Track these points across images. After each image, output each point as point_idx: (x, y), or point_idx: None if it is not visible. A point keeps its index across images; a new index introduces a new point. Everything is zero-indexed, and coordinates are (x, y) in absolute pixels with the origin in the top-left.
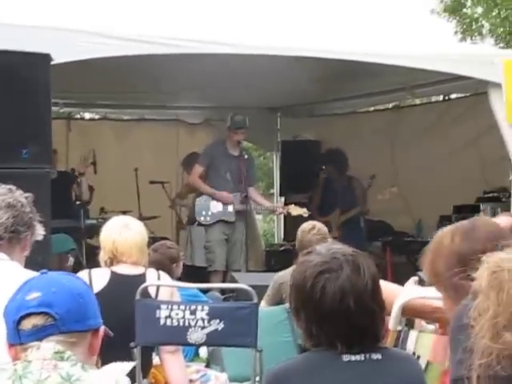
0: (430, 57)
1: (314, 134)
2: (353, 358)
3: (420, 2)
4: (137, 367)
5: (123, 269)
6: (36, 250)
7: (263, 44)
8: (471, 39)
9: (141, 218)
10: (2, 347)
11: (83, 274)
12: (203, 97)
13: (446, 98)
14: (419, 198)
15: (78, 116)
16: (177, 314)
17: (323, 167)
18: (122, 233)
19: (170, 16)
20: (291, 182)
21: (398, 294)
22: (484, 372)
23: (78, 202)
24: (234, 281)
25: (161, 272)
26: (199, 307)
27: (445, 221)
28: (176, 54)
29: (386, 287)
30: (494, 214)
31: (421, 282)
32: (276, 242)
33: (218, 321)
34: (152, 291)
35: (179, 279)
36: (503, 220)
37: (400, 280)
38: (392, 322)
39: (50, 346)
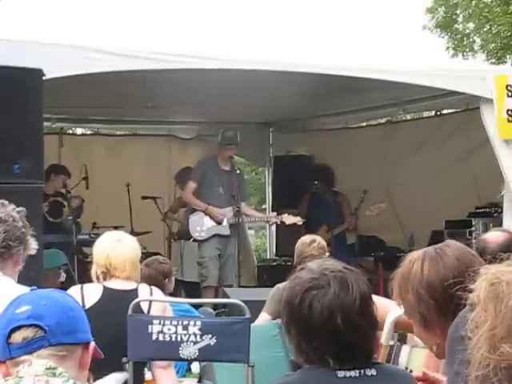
0: (422, 72)
1: (307, 149)
2: (347, 373)
3: (412, 18)
4: (129, 383)
5: (115, 284)
6: (28, 265)
7: (256, 59)
8: (463, 55)
9: (133, 233)
10: None
11: (75, 289)
12: (196, 112)
13: (438, 113)
14: (411, 212)
15: (71, 131)
16: (169, 329)
17: (315, 182)
18: (116, 247)
19: (163, 31)
20: (283, 197)
21: (390, 309)
22: None
23: (69, 218)
24: (226, 296)
25: (153, 287)
26: (191, 322)
27: (437, 236)
28: (168, 69)
29: (379, 302)
30: (485, 229)
31: None
32: (268, 257)
33: (210, 336)
34: (144, 306)
35: (171, 294)
36: (496, 235)
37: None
38: (384, 336)
39: (42, 362)
